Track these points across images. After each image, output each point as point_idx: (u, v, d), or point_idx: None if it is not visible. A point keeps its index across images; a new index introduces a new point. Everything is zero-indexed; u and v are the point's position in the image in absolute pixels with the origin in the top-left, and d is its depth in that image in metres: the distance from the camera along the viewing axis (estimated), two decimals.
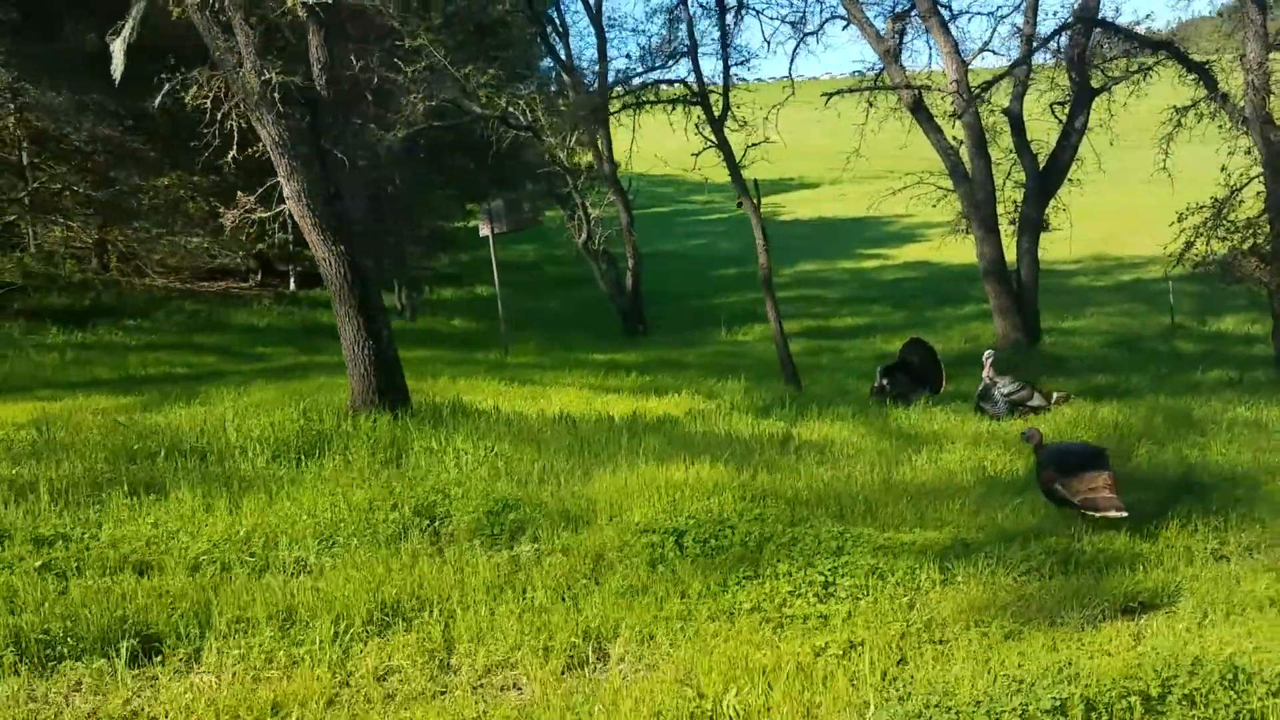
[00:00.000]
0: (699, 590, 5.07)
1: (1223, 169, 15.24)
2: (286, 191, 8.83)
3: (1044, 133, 19.20)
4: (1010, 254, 19.42)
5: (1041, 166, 18.88)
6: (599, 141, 23.72)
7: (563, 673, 4.27)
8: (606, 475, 7.16)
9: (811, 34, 19.16)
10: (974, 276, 33.95)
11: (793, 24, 14.78)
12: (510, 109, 20.73)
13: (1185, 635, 4.60)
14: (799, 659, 4.24)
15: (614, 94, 23.27)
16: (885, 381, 12.93)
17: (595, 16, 23.69)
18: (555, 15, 25.03)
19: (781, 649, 4.36)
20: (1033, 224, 18.86)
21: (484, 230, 18.34)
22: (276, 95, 8.27)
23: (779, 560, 5.45)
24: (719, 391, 13.35)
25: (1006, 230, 19.37)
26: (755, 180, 15.18)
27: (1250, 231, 15.05)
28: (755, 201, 14.44)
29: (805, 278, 36.53)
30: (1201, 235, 15.33)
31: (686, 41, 14.42)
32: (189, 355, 20.39)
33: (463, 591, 4.95)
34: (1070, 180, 18.99)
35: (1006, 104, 18.62)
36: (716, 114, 15.43)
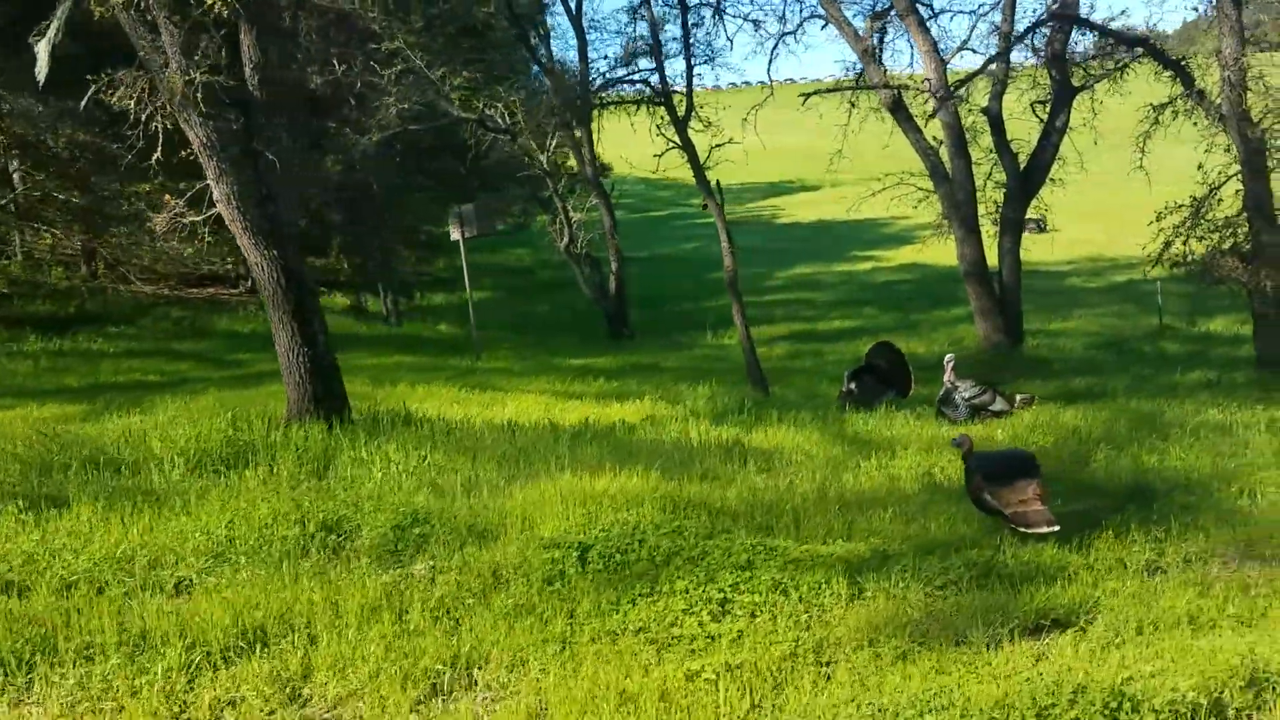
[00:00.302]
0: (588, 610, 4.84)
1: (1199, 167, 14.95)
2: (216, 194, 8.63)
3: (1025, 132, 18.93)
4: (992, 255, 19.16)
5: (1023, 166, 18.60)
6: (581, 144, 23.50)
7: (418, 703, 4.03)
8: (530, 486, 6.91)
9: (789, 33, 18.91)
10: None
11: (755, 22, 14.45)
12: (488, 111, 20.57)
13: (1087, 657, 4.35)
14: (668, 685, 4.00)
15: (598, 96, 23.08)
16: (852, 385, 12.71)
17: (575, 18, 23.49)
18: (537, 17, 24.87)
19: (653, 674, 4.13)
20: (1014, 224, 18.59)
21: (455, 234, 18.13)
22: (199, 95, 8.06)
23: (681, 576, 5.21)
24: (683, 397, 13.11)
25: (990, 231, 19.11)
26: (718, 180, 14.94)
27: (1229, 231, 14.77)
28: (719, 202, 14.17)
29: (799, 280, 36.32)
30: (1180, 235, 15.03)
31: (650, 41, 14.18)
32: (165, 363, 20.20)
33: (336, 614, 4.71)
34: (1052, 180, 18.72)
35: (986, 103, 18.33)
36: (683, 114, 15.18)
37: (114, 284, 27.66)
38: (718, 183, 14.62)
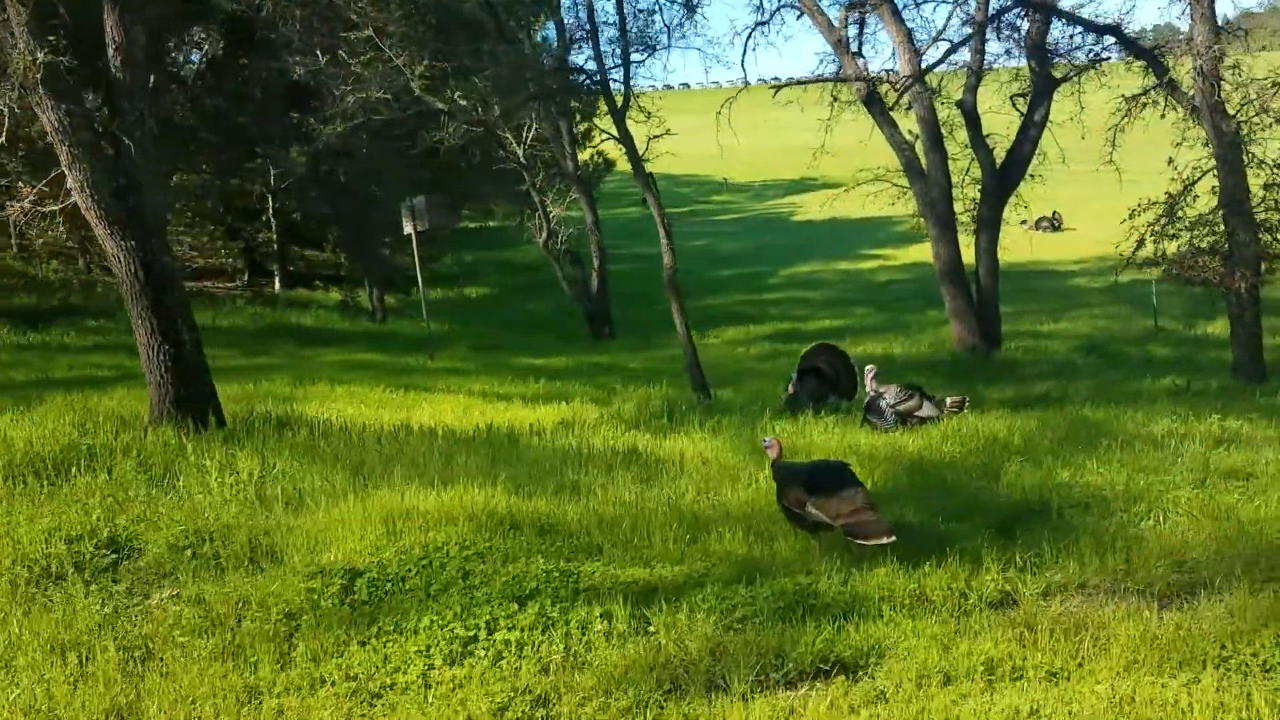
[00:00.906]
0: (305, 652, 4.30)
1: (1170, 162, 14.17)
2: (70, 181, 8.17)
3: (1004, 126, 18.19)
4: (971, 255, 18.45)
5: (1001, 161, 17.87)
6: (560, 135, 22.93)
7: None
8: (341, 504, 6.38)
9: (764, 23, 18.23)
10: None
11: (689, 6, 13.74)
12: (461, 101, 20.01)
13: (843, 713, 3.77)
14: None
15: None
16: (793, 388, 12.15)
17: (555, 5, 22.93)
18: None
19: None
20: (990, 222, 17.89)
21: (407, 227, 17.66)
22: (42, 75, 7.60)
23: (440, 609, 4.67)
24: (616, 399, 12.56)
25: (969, 230, 18.42)
26: (652, 174, 14.35)
27: (1205, 229, 13.98)
28: (656, 197, 13.58)
29: (798, 279, 35.68)
30: (1153, 234, 14.27)
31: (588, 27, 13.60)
32: (126, 358, 19.78)
33: (17, 651, 4.21)
34: (1031, 176, 17.97)
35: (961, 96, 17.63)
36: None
37: (106, 277, 27.35)
38: (651, 176, 14.03)
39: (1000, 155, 17.92)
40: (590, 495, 7.07)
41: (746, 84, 18.50)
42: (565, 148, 22.99)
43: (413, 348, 21.87)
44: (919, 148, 17.97)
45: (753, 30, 18.51)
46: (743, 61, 24.03)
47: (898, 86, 16.44)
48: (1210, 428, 9.97)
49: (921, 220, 17.99)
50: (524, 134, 21.26)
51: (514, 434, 9.53)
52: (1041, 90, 17.24)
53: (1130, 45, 14.91)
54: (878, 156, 20.01)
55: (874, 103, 18.06)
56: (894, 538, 5.73)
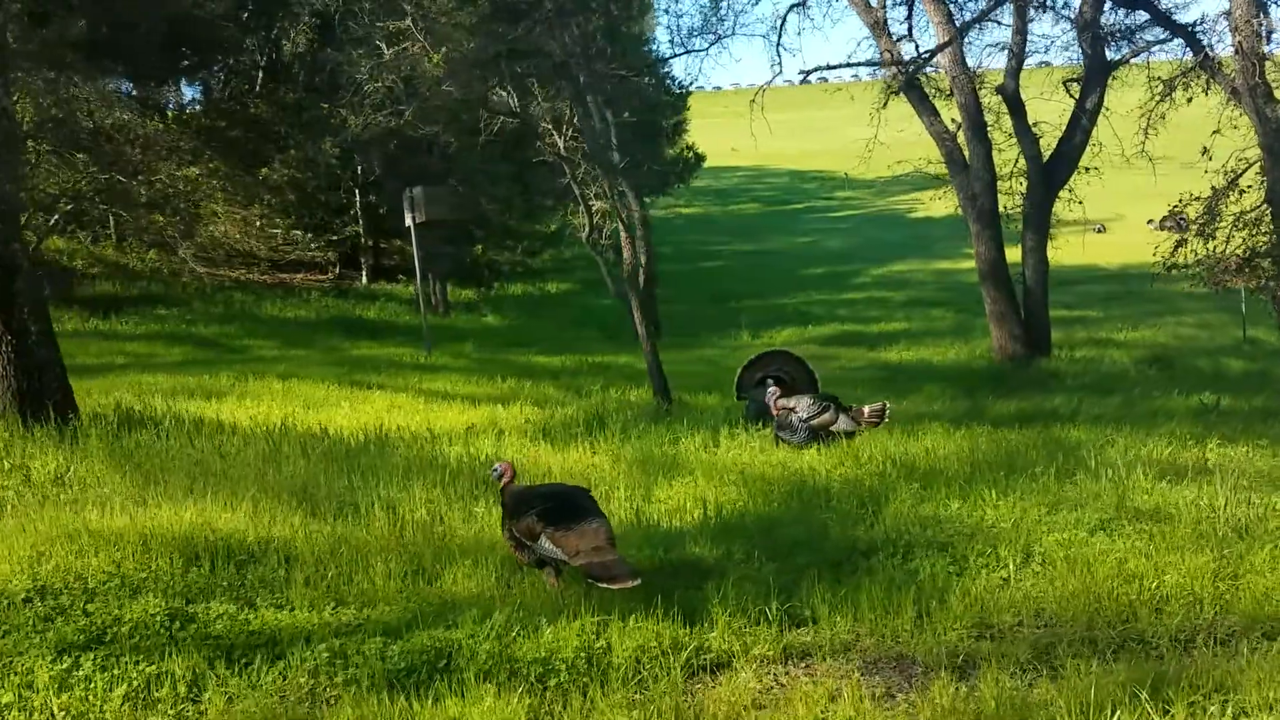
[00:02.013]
0: None
1: (1204, 152, 12.55)
2: None
3: (1057, 115, 16.66)
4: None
5: (1051, 152, 16.37)
6: (609, 128, 22.18)
7: None
8: (51, 512, 5.87)
9: (798, 4, 17.16)
10: (1066, 280, 31.02)
11: None
12: (500, 94, 19.50)
13: None
14: None
15: None
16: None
17: None
18: None
19: None
20: (1037, 218, 16.39)
21: (407, 219, 17.27)
22: None
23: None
24: (564, 405, 11.85)
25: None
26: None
27: (1255, 227, 12.32)
28: (622, 189, 12.74)
29: (888, 278, 34.24)
30: (1195, 233, 12.67)
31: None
32: (161, 346, 20.14)
33: None
34: (1084, 169, 16.39)
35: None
36: None
37: (195, 266, 27.93)
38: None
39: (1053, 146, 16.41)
40: (368, 517, 6.35)
41: (780, 70, 17.41)
42: (612, 140, 22.24)
43: (454, 340, 21.62)
44: (961, 138, 16.62)
45: (788, 12, 17.47)
46: (778, 46, 23.05)
47: (909, 70, 15.14)
48: (1187, 456, 8.69)
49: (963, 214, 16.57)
50: (564, 126, 20.58)
51: (387, 440, 8.90)
52: (1094, 75, 15.68)
53: (1163, 20, 13.33)
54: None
55: (913, 89, 16.79)
56: (638, 581, 4.95)
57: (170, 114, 28.36)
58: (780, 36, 28.86)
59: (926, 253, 38.61)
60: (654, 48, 34.49)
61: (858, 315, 26.43)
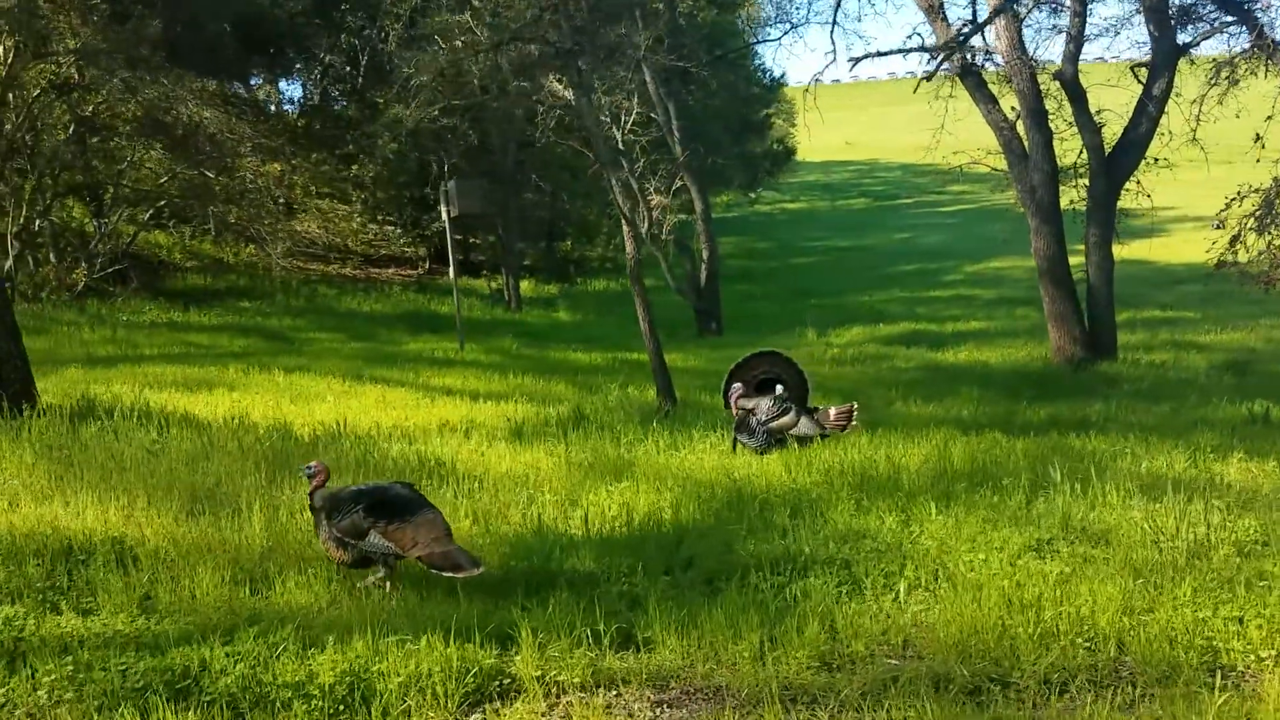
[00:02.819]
0: None
1: (1257, 139, 11.50)
2: None
3: (1124, 104, 15.62)
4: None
5: (1116, 140, 15.37)
6: (671, 120, 21.81)
7: None
8: None
9: None
10: (1179, 279, 29.37)
11: None
12: (553, 83, 19.30)
13: None
14: None
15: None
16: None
17: None
18: None
19: None
20: (1099, 212, 15.41)
21: (443, 213, 17.21)
22: None
23: None
24: (562, 403, 11.56)
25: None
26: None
27: None
28: (624, 177, 12.34)
29: (980, 275, 33.09)
30: (1250, 227, 11.64)
31: None
32: (227, 337, 20.53)
33: None
34: (1152, 160, 15.33)
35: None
36: None
37: (278, 261, 28.52)
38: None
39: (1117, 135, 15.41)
40: (246, 518, 6.12)
41: (835, 58, 16.77)
42: (674, 132, 21.86)
43: (501, 335, 21.53)
44: (1020, 127, 15.73)
45: None
46: (831, 34, 22.14)
47: (960, 41, 14.29)
48: (1197, 471, 7.94)
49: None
50: (623, 118, 20.30)
51: (337, 436, 8.73)
52: (1162, 60, 14.63)
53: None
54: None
55: (969, 75, 15.98)
56: (481, 569, 4.87)
57: (257, 110, 28.94)
58: (835, 19, 28.02)
59: (1026, 249, 37.06)
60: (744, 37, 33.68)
61: (936, 314, 25.43)
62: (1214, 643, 4.64)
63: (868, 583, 5.47)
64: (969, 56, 15.90)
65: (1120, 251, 33.27)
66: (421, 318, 24.98)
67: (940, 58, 15.19)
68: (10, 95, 20.51)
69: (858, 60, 16.32)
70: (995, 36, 15.38)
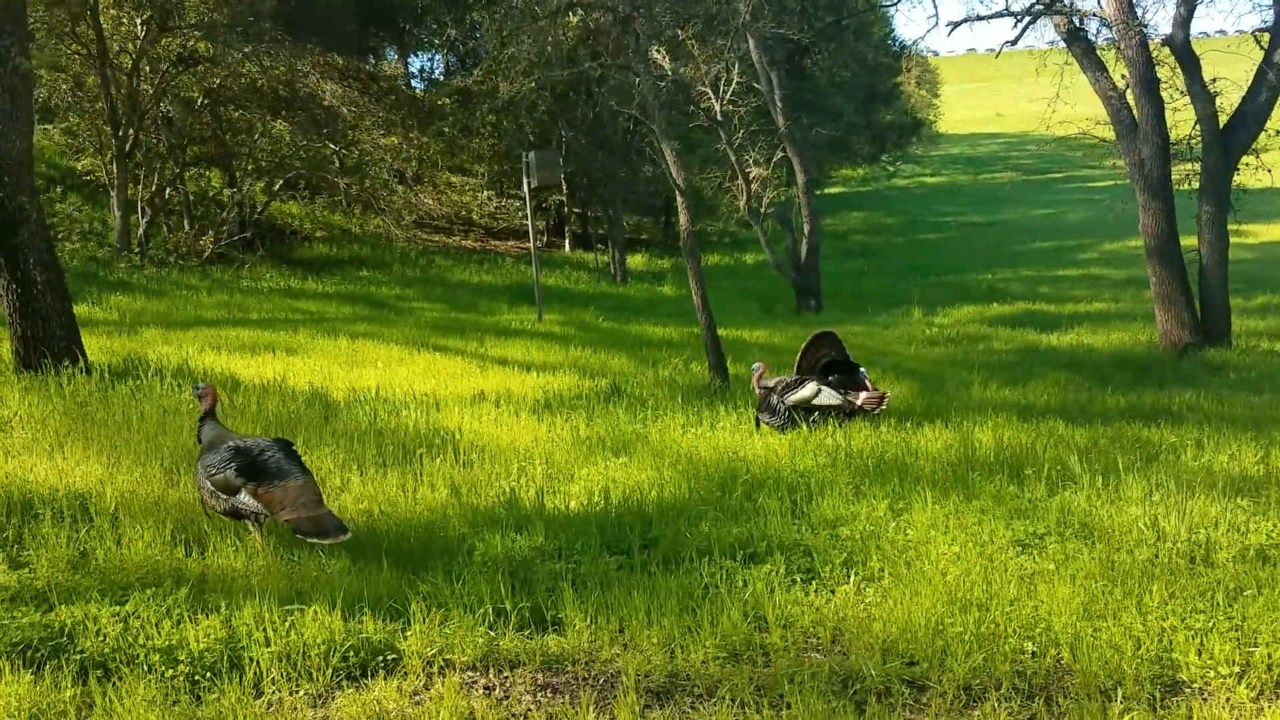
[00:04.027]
0: None
1: None
2: None
3: (1244, 73, 14.47)
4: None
5: (1233, 111, 14.27)
6: (774, 87, 21.27)
7: None
8: None
9: None
10: None
11: None
12: (652, 53, 19.07)
13: None
14: None
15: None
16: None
17: None
18: None
19: None
20: (1213, 188, 14.35)
21: (524, 185, 17.18)
22: None
23: None
24: (622, 374, 11.44)
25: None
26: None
27: None
28: (677, 153, 12.00)
29: (1117, 255, 31.53)
30: None
31: None
32: (334, 305, 21.01)
33: None
34: (1273, 131, 14.17)
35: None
36: None
37: (395, 231, 29.16)
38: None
39: (1233, 105, 14.30)
40: None
41: (937, 20, 16.08)
42: (776, 103, 21.32)
43: (619, 309, 21.51)
44: (1130, 97, 14.74)
45: None
46: None
47: (1024, 15, 13.44)
48: (1260, 469, 7.31)
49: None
50: (721, 88, 19.93)
51: (358, 403, 8.78)
52: None
53: None
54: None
55: (1077, 40, 15.07)
56: (348, 535, 4.84)
57: (379, 84, 29.53)
58: None
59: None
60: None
61: (1059, 294, 24.27)
62: (1173, 655, 4.21)
63: (825, 572, 5.19)
64: (1076, 21, 14.97)
65: (1266, 232, 31.32)
66: (525, 289, 25.16)
67: (1025, 22, 14.35)
68: (146, 67, 21.47)
69: (956, 25, 15.44)
70: (1102, 0, 14.43)
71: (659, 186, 30.67)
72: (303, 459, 5.14)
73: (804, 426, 8.07)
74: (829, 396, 8.16)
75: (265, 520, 4.99)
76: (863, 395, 8.29)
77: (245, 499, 4.91)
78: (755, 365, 8.72)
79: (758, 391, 8.47)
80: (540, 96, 21.60)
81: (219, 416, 5.59)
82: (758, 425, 8.33)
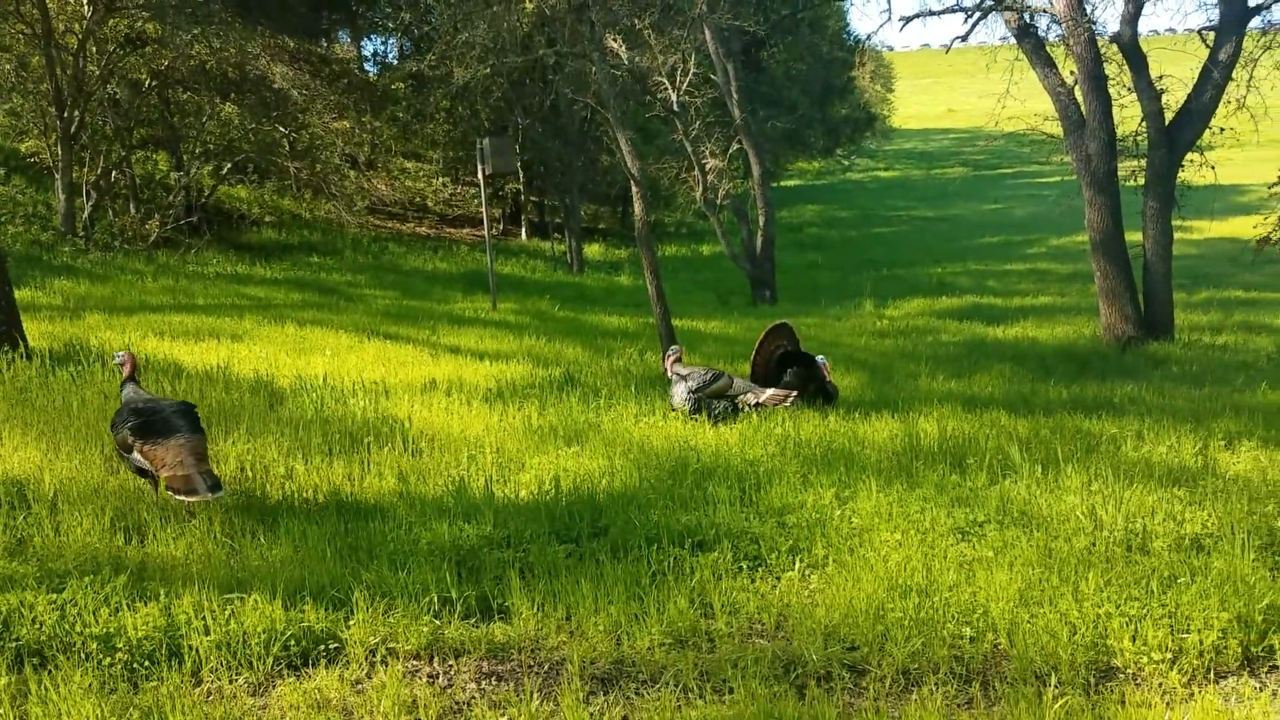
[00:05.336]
0: None
1: None
2: None
3: (1190, 71, 14.72)
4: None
5: (1179, 108, 14.52)
6: (731, 81, 21.31)
7: None
8: None
9: None
10: (1271, 257, 27.86)
11: None
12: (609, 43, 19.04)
13: None
14: None
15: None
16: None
17: None
18: None
19: None
20: (1157, 184, 14.59)
21: (479, 172, 17.10)
22: None
23: None
24: (566, 365, 11.42)
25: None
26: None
27: None
28: (634, 142, 12.02)
29: (1063, 250, 32.05)
30: None
31: None
32: (284, 291, 20.78)
33: None
34: (1217, 129, 14.43)
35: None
36: None
37: (346, 217, 28.84)
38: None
39: (1178, 102, 14.55)
40: None
41: (890, 17, 16.16)
42: (732, 94, 21.37)
43: (575, 299, 21.48)
44: (1078, 93, 14.95)
45: None
46: None
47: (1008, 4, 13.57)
48: (1199, 460, 7.46)
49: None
50: (678, 78, 19.93)
51: (305, 390, 8.70)
52: (1230, 21, 13.72)
53: None
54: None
55: (1027, 37, 15.25)
56: (219, 494, 4.97)
57: (330, 67, 29.20)
58: None
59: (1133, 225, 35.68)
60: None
61: (1007, 288, 24.62)
62: (1108, 641, 4.30)
63: (771, 559, 5.24)
64: (1027, 17, 15.15)
65: (1211, 228, 31.93)
66: (480, 277, 25.04)
67: (976, 17, 14.50)
68: (92, 48, 21.04)
69: (909, 20, 15.56)
70: None
71: (616, 176, 30.62)
72: (201, 422, 5.27)
73: (704, 413, 8.21)
74: (740, 386, 8.33)
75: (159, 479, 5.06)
76: (766, 394, 8.40)
77: (137, 456, 5.03)
78: (672, 348, 8.84)
79: (669, 375, 8.56)
80: (495, 83, 21.41)
81: (139, 380, 5.65)
82: (672, 409, 8.43)
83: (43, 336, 10.04)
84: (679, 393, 8.28)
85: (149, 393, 5.77)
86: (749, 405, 8.27)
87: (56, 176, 20.17)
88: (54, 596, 4.13)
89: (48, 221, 20.83)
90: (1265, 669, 4.18)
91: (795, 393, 8.46)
